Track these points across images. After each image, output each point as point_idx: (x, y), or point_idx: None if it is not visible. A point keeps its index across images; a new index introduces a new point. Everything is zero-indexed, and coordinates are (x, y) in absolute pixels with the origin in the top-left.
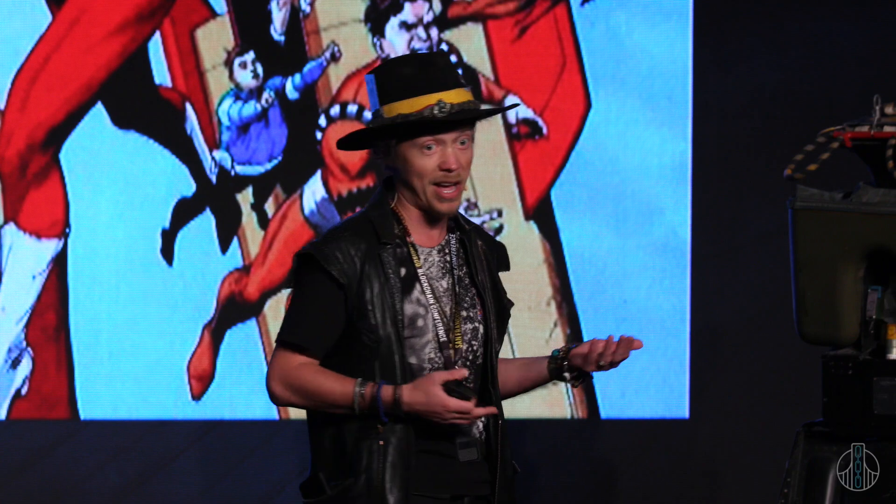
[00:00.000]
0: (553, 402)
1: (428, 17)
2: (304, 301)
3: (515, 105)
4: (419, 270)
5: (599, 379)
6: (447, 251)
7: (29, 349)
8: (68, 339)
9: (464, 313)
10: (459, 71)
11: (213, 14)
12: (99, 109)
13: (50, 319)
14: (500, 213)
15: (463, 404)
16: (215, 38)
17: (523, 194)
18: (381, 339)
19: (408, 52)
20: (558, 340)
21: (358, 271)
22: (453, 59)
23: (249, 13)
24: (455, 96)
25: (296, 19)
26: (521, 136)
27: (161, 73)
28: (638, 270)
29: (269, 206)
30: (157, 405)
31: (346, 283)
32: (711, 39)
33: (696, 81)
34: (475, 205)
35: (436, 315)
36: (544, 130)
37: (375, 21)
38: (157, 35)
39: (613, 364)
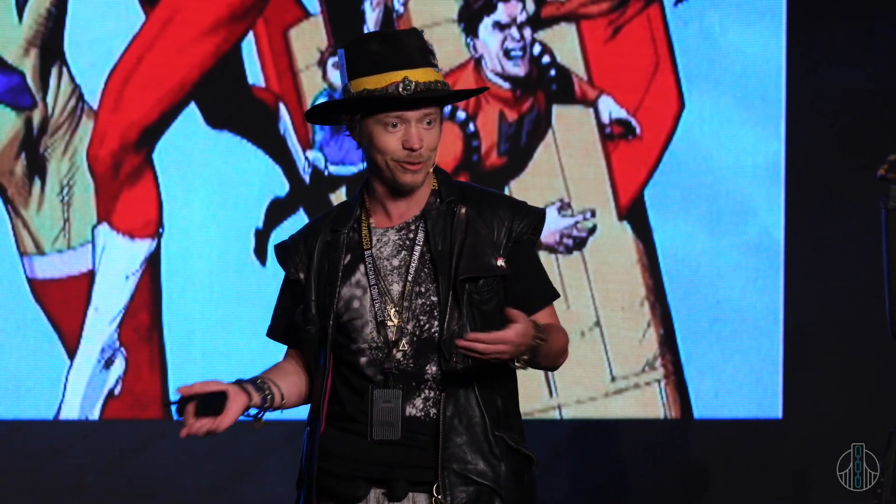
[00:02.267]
0: (646, 403)
1: (521, 18)
2: (278, 298)
3: (484, 89)
4: (366, 252)
5: (693, 379)
6: (412, 228)
7: (122, 349)
8: (161, 340)
9: (418, 289)
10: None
11: (307, 14)
12: (192, 109)
13: (143, 319)
14: (593, 214)
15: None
16: (308, 38)
17: (616, 195)
18: (318, 329)
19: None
20: (651, 341)
21: (309, 264)
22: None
23: (343, 13)
24: (422, 75)
25: (389, 19)
26: (614, 136)
27: (254, 73)
28: (731, 270)
29: None
30: None
31: (297, 277)
32: (804, 39)
33: (789, 81)
34: (569, 205)
35: (375, 294)
36: (637, 130)
37: (469, 21)
38: (251, 35)
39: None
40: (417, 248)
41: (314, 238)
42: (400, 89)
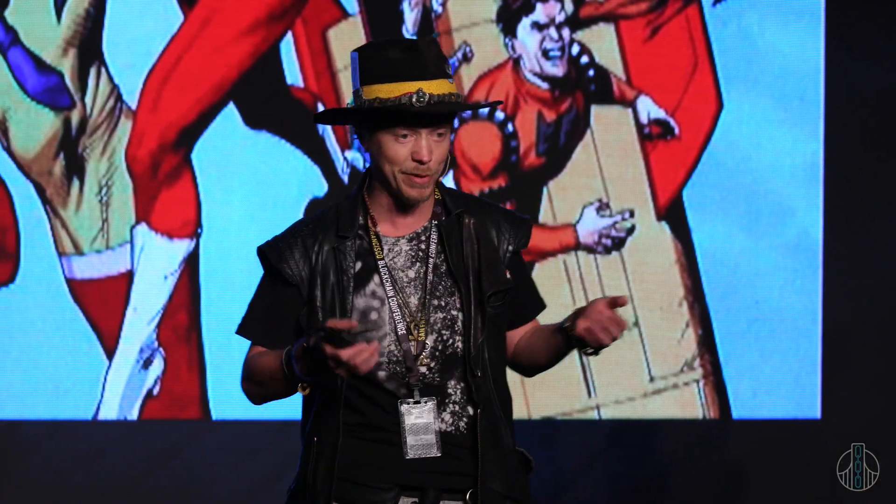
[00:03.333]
0: (685, 403)
1: (560, 18)
2: (259, 298)
3: (498, 102)
4: (380, 262)
5: (731, 379)
6: (423, 239)
7: (160, 349)
8: (200, 340)
9: (436, 302)
10: (453, 62)
11: (345, 14)
12: (231, 109)
13: (182, 319)
14: (631, 214)
15: (331, 350)
16: (347, 38)
17: (655, 195)
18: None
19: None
20: (690, 341)
21: (311, 268)
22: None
23: (381, 13)
24: (436, 87)
25: (428, 19)
26: (652, 136)
27: (293, 74)
28: (770, 271)
29: None
30: (289, 405)
31: (296, 281)
32: (843, 39)
33: (827, 81)
34: (607, 205)
35: (394, 306)
36: (676, 131)
37: (507, 21)
38: (289, 35)
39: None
40: (431, 260)
41: (314, 241)
42: (413, 100)
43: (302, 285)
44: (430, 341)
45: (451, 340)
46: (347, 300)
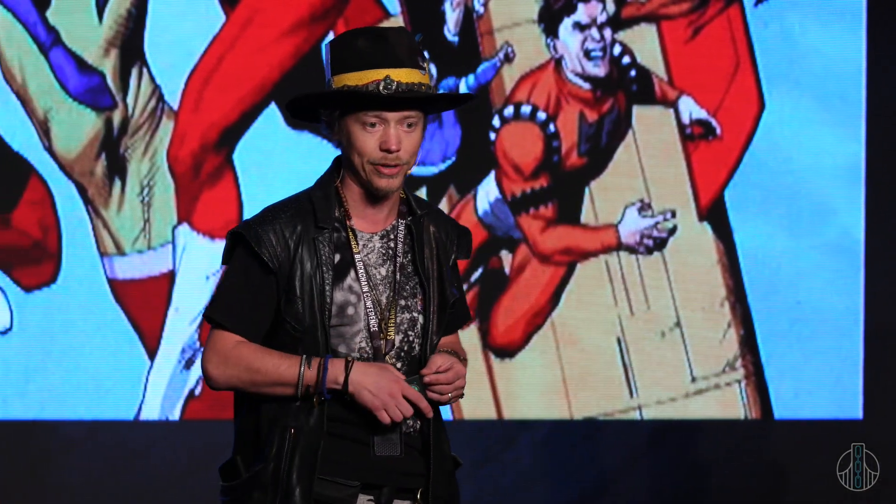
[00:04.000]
0: (727, 404)
1: (601, 18)
2: (235, 282)
3: (470, 97)
4: (356, 256)
5: (773, 379)
6: (392, 237)
7: (202, 350)
8: None
9: (402, 302)
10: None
11: (387, 14)
12: (272, 110)
13: None
14: (673, 214)
15: (417, 393)
16: None
17: (697, 195)
18: (307, 327)
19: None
20: (732, 341)
21: (290, 256)
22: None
23: (423, 13)
24: (405, 75)
25: (469, 20)
26: (694, 136)
27: None
28: (811, 271)
29: (443, 207)
30: None
31: (275, 268)
32: (884, 39)
33: (869, 81)
34: (649, 206)
35: (369, 304)
36: (718, 131)
37: (549, 21)
38: (331, 35)
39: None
40: (399, 259)
41: (292, 230)
42: (381, 88)
43: (280, 273)
44: (397, 341)
45: (414, 342)
46: (326, 293)
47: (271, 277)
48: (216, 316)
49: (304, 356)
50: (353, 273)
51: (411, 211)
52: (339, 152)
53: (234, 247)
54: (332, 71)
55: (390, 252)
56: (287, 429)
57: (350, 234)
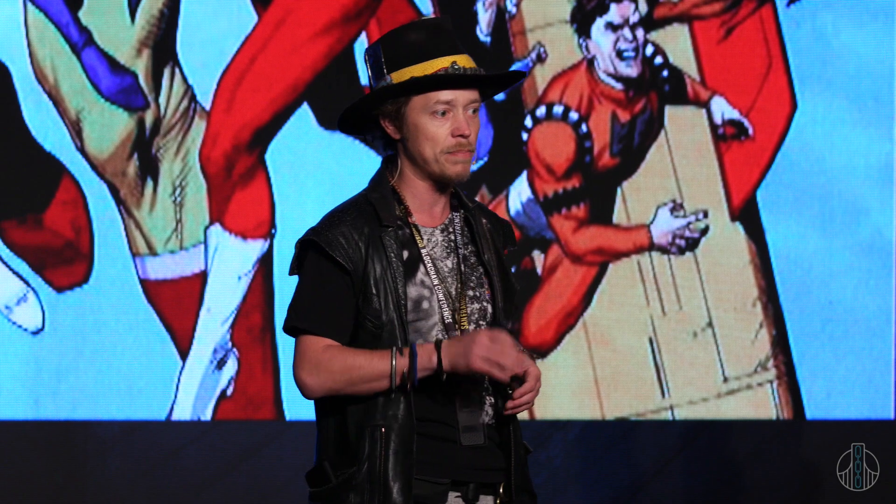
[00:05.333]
0: (759, 404)
1: (634, 18)
2: (312, 288)
3: (523, 74)
4: (423, 251)
5: (805, 380)
6: (451, 230)
7: (234, 350)
8: (274, 340)
9: (470, 293)
10: None
11: (419, 14)
12: (305, 110)
13: (255, 320)
14: (705, 214)
15: (523, 356)
16: None
17: (729, 195)
18: (385, 323)
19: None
20: (764, 342)
21: (362, 256)
22: None
23: (455, 14)
24: (465, 61)
25: (502, 20)
26: (726, 136)
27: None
28: (843, 271)
29: None
30: None
31: (351, 268)
32: None
33: None
34: (681, 206)
35: (441, 296)
36: (750, 131)
37: (581, 22)
38: (363, 36)
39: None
40: (461, 250)
41: (359, 231)
42: (450, 71)
43: (355, 273)
44: (471, 330)
45: None
46: (400, 289)
47: (347, 278)
48: (300, 323)
49: (394, 347)
50: (422, 268)
51: (462, 204)
52: (378, 161)
53: (304, 255)
54: (390, 68)
55: (452, 244)
56: (377, 428)
57: (413, 229)
